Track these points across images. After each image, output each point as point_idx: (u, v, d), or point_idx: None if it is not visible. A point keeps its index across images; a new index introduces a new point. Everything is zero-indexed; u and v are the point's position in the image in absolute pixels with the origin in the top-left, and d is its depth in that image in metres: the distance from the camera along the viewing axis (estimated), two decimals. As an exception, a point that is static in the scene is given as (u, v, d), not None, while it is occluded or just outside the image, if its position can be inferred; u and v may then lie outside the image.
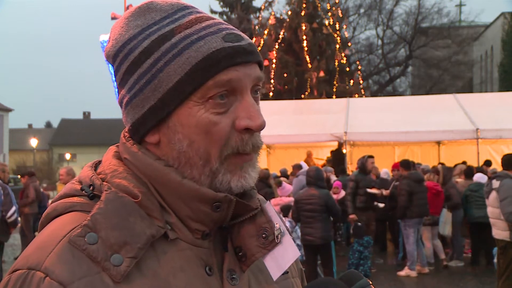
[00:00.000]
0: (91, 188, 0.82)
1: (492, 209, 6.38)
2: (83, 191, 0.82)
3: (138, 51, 0.82)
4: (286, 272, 0.93)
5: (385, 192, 9.54)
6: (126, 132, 0.88)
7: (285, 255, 0.85)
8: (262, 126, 0.82)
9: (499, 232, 6.28)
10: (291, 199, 8.22)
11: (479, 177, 9.76)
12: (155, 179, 0.82)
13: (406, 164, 9.10)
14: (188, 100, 0.80)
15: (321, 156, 15.05)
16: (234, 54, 0.80)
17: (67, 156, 54.86)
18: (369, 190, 9.45)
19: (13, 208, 7.44)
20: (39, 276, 0.72)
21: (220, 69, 0.79)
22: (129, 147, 0.85)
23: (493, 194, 6.30)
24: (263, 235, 0.85)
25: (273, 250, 0.84)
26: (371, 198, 9.52)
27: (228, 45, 0.80)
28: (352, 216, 9.08)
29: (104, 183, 0.82)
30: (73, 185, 0.85)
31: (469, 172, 10.28)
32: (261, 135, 0.87)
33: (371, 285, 0.80)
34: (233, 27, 0.85)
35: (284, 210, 7.29)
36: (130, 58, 0.83)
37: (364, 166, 9.48)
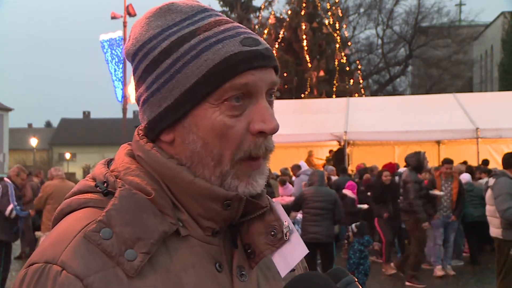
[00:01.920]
0: (105, 185, 0.84)
1: (489, 207, 6.42)
2: (97, 188, 0.84)
3: (158, 51, 0.84)
4: (292, 270, 0.94)
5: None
6: (140, 130, 0.90)
7: (293, 253, 0.86)
8: (275, 130, 0.83)
9: (494, 230, 6.31)
10: (293, 199, 8.22)
11: (463, 178, 9.79)
12: (167, 177, 0.84)
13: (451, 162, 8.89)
14: (204, 102, 0.82)
15: (321, 155, 15.07)
16: (251, 58, 0.82)
17: (67, 155, 54.84)
18: (432, 192, 8.63)
19: (10, 206, 7.60)
20: (55, 269, 0.74)
21: (237, 73, 0.81)
22: (143, 145, 0.87)
23: (489, 192, 6.35)
24: (272, 233, 0.86)
25: (281, 247, 0.86)
26: (431, 200, 8.65)
27: (246, 49, 0.82)
28: (426, 225, 8.04)
29: (118, 180, 0.84)
30: (87, 182, 0.87)
31: (469, 172, 10.29)
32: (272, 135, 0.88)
33: (356, 282, 0.80)
34: (251, 31, 0.87)
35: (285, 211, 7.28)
36: (149, 57, 0.85)
37: (420, 164, 8.20)
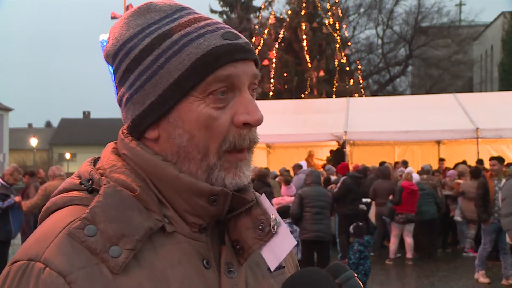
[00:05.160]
0: (90, 182, 0.84)
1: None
2: (82, 185, 0.84)
3: (139, 49, 0.84)
4: (282, 267, 0.94)
5: None
6: (124, 129, 0.90)
7: (281, 245, 0.87)
8: (260, 121, 0.84)
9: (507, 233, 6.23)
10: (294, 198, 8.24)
11: (414, 177, 10.00)
12: (153, 173, 0.84)
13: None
14: (189, 95, 0.82)
15: (321, 155, 15.07)
16: (233, 51, 0.83)
17: (67, 155, 54.86)
18: None
19: None
20: (39, 266, 0.73)
21: (220, 65, 0.82)
22: (127, 143, 0.87)
23: (499, 194, 6.25)
24: (260, 227, 0.86)
25: (269, 241, 0.86)
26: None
27: (227, 42, 0.83)
28: None
29: (103, 177, 0.84)
30: (72, 180, 0.87)
31: (475, 172, 10.22)
32: (261, 134, 0.89)
33: (356, 278, 0.80)
34: (230, 27, 0.88)
35: (283, 212, 7.27)
36: (130, 56, 0.85)
37: None
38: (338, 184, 9.81)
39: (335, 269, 0.81)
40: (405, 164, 12.03)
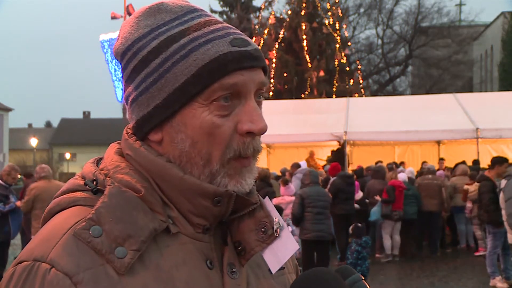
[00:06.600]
0: (95, 183, 0.84)
1: (503, 212, 6.21)
2: (87, 186, 0.84)
3: (147, 51, 0.84)
4: (282, 268, 0.95)
5: None
6: (129, 129, 0.90)
7: (284, 249, 0.87)
8: (263, 130, 0.84)
9: (509, 236, 6.14)
10: (294, 198, 8.26)
11: (400, 177, 10.11)
12: (157, 174, 0.84)
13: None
14: (193, 101, 0.82)
15: (321, 155, 15.06)
16: (241, 59, 0.82)
17: (67, 155, 54.88)
18: None
19: None
20: (44, 267, 0.73)
21: (226, 73, 0.81)
22: (132, 143, 0.87)
23: (501, 195, 6.14)
24: (262, 229, 0.87)
25: (272, 244, 0.87)
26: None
27: (235, 50, 0.82)
28: None
29: (107, 178, 0.84)
30: (76, 181, 0.86)
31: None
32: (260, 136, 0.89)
33: (363, 281, 0.81)
34: (241, 32, 0.87)
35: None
36: (138, 57, 0.85)
37: None
38: (328, 186, 9.87)
39: (343, 271, 0.82)
40: (395, 165, 12.11)
